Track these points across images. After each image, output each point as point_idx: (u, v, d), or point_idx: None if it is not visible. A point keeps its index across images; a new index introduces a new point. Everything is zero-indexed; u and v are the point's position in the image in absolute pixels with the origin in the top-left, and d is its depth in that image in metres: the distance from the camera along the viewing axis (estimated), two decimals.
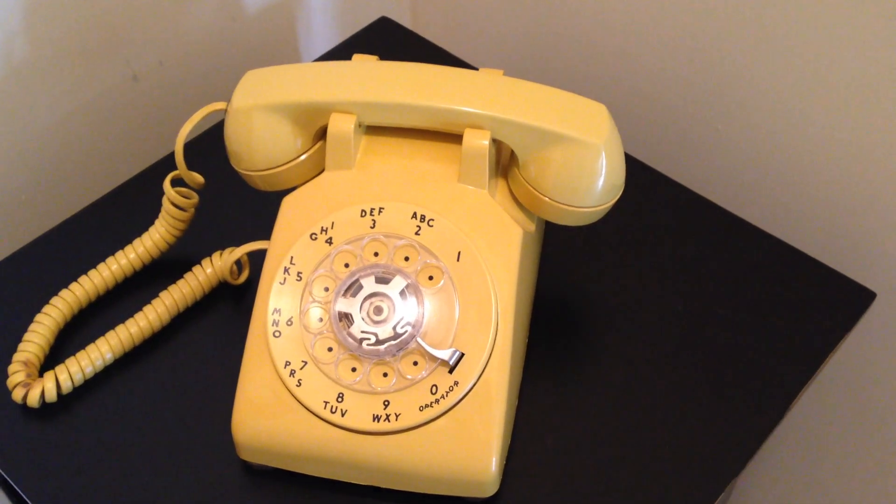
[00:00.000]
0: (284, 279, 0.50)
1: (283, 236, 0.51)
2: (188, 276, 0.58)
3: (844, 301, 0.59)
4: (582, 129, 0.50)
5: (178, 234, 0.59)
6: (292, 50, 0.85)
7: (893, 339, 0.65)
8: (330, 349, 0.49)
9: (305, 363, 0.49)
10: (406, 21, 0.89)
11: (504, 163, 0.54)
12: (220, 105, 0.54)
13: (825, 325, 0.58)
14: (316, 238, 0.51)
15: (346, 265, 0.50)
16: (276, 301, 0.50)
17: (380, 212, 0.51)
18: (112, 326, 0.56)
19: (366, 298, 0.49)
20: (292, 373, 0.49)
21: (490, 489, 0.49)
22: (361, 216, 0.51)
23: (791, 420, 0.55)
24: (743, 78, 0.67)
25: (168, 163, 0.67)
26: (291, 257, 0.50)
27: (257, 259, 0.58)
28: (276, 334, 0.49)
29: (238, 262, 0.60)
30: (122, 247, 0.59)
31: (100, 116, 0.73)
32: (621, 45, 0.74)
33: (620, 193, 0.53)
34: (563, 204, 0.51)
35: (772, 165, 0.69)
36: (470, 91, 0.50)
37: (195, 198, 0.58)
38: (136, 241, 0.59)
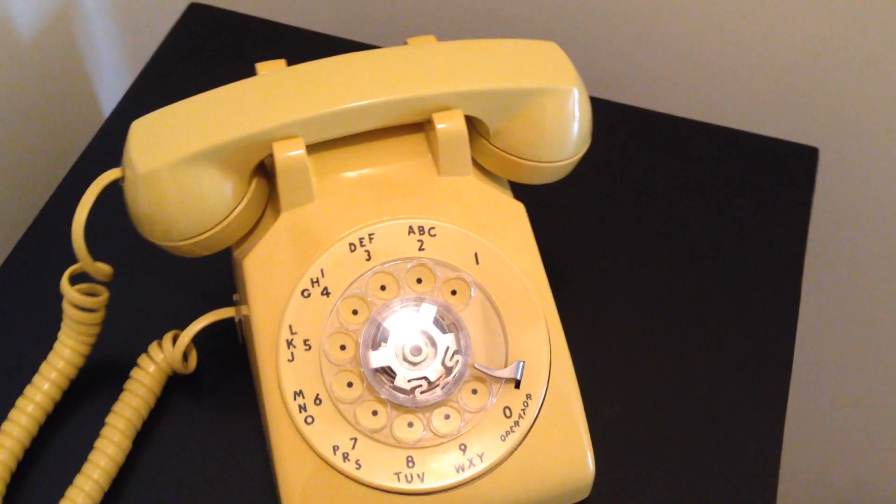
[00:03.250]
0: (292, 355, 0.41)
1: (264, 303, 0.42)
2: (131, 384, 0.47)
3: (795, 165, 0.58)
4: (552, 76, 0.45)
5: (92, 341, 0.48)
6: (78, 71, 0.71)
7: (838, 191, 0.66)
8: (375, 413, 0.41)
9: (355, 440, 0.41)
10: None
11: None
12: (114, 173, 0.43)
13: (792, 195, 0.57)
14: (309, 295, 0.42)
15: (355, 312, 0.42)
16: (292, 383, 0.41)
17: (371, 239, 0.43)
18: (63, 471, 0.45)
19: (397, 342, 0.42)
20: (346, 456, 0.41)
21: (588, 489, 0.45)
22: (352, 251, 0.43)
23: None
24: None
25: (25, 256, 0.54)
26: (290, 326, 0.42)
27: (201, 339, 0.48)
28: (309, 420, 0.41)
29: None
30: None
31: None
32: None
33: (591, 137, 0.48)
34: (545, 161, 0.46)
35: (667, 46, 0.65)
36: (429, 70, 0.43)
37: (105, 293, 0.47)
38: (45, 367, 0.47)
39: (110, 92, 0.76)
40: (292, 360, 0.41)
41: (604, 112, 0.60)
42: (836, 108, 0.62)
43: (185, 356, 0.49)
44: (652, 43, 0.64)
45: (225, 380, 0.50)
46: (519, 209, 0.45)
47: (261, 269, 0.43)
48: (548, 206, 0.55)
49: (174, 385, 0.49)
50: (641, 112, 0.61)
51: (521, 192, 0.48)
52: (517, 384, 0.42)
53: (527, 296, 0.43)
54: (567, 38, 0.53)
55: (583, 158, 0.47)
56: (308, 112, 0.41)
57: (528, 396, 0.42)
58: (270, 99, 0.42)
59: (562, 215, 0.56)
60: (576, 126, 0.46)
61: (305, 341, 0.42)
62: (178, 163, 0.41)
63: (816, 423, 0.86)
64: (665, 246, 0.55)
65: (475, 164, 0.46)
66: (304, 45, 0.64)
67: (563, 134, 0.45)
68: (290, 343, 0.42)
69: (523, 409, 0.42)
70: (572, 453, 0.43)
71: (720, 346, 0.51)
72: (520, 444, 0.42)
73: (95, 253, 0.45)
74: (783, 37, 0.61)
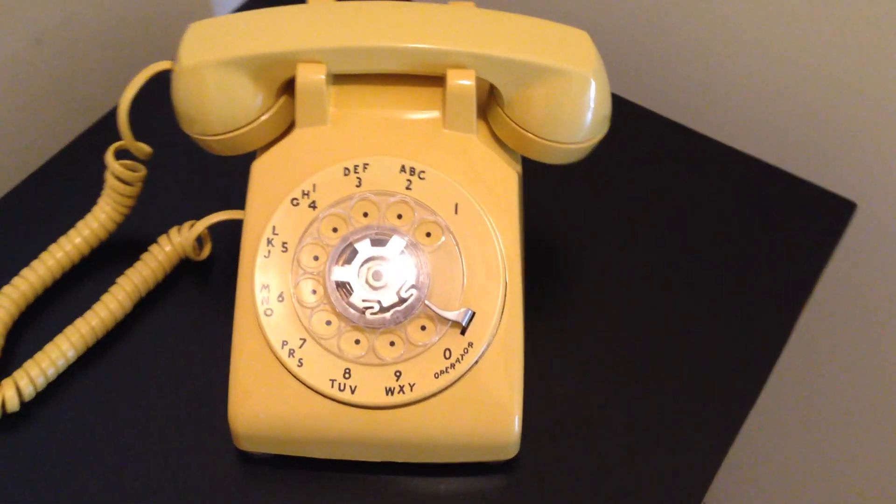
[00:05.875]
0: (269, 252, 0.46)
1: (259, 205, 0.47)
2: (146, 256, 0.53)
3: (825, 214, 0.58)
4: (570, 59, 0.47)
5: (125, 212, 0.54)
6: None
7: (875, 251, 0.65)
8: (329, 323, 0.45)
9: (304, 341, 0.45)
10: None
11: (482, 102, 0.50)
12: (165, 64, 0.49)
13: (811, 242, 0.57)
14: (298, 203, 0.46)
15: (335, 230, 0.46)
16: (262, 277, 0.45)
17: (365, 168, 0.46)
18: (68, 320, 0.50)
19: (363, 264, 0.45)
20: (291, 353, 0.45)
21: (512, 451, 0.47)
22: (345, 175, 0.46)
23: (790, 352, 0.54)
24: None
25: (99, 134, 0.60)
26: (273, 227, 0.46)
27: (219, 231, 0.53)
28: (268, 313, 0.45)
29: (198, 237, 0.54)
30: (62, 232, 0.53)
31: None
32: None
33: (608, 127, 0.50)
34: (553, 141, 0.48)
35: (728, 76, 0.67)
36: (450, 28, 0.46)
37: (143, 170, 0.53)
38: (80, 224, 0.53)
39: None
40: (268, 256, 0.46)
41: (654, 126, 0.63)
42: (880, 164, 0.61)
43: (201, 245, 0.54)
44: (713, 70, 0.66)
45: (230, 275, 0.54)
46: (511, 176, 0.48)
47: (264, 174, 0.47)
48: (557, 190, 0.57)
49: (185, 269, 0.54)
50: (690, 132, 0.62)
51: (536, 169, 0.50)
52: (463, 331, 0.45)
53: (493, 252, 0.46)
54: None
55: (606, 154, 0.49)
56: (332, 43, 0.46)
57: (470, 344, 0.45)
58: (308, 26, 0.47)
59: (566, 202, 0.58)
60: (587, 114, 0.48)
61: (283, 244, 0.46)
62: (216, 63, 0.46)
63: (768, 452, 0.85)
64: (659, 257, 0.57)
65: (491, 132, 0.49)
66: None
67: (571, 118, 0.47)
68: (269, 242, 0.46)
69: (462, 355, 0.45)
70: (500, 409, 0.45)
71: (694, 359, 0.52)
72: (451, 385, 0.45)
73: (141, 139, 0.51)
74: (845, 85, 0.61)
